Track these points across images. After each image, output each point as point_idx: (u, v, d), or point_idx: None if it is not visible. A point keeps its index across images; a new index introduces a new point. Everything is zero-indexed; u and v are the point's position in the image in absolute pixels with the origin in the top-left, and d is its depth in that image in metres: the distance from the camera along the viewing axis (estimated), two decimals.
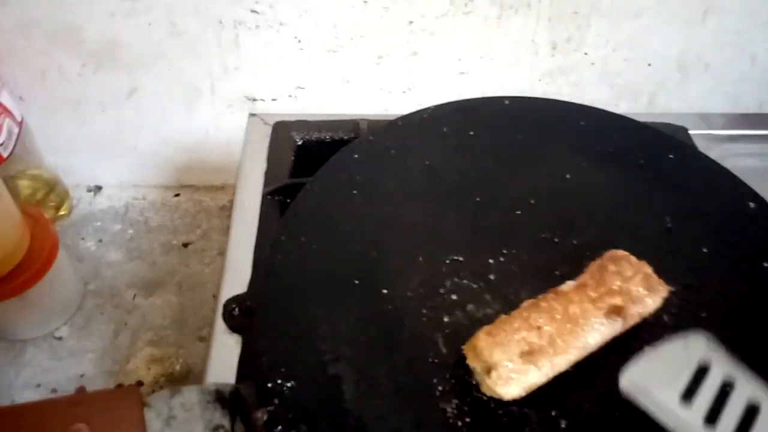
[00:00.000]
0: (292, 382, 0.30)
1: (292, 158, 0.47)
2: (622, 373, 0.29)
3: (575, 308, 0.30)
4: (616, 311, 0.31)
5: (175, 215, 0.66)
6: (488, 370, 0.29)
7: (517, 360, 0.28)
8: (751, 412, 0.27)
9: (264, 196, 0.44)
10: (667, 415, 0.27)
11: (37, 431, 0.24)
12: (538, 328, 0.29)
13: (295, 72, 0.58)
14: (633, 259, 0.33)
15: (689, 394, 0.28)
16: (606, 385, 0.30)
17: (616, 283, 0.31)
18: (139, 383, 0.51)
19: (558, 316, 0.30)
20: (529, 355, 0.28)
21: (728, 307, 0.34)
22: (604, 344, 0.31)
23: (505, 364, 0.28)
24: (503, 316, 0.30)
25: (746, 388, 0.28)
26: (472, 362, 0.30)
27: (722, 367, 0.29)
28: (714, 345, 0.30)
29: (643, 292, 0.31)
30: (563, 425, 0.29)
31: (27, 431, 0.24)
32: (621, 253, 0.33)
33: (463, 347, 0.30)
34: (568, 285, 0.32)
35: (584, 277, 0.32)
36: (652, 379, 0.28)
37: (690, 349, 0.30)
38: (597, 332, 0.30)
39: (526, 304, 0.31)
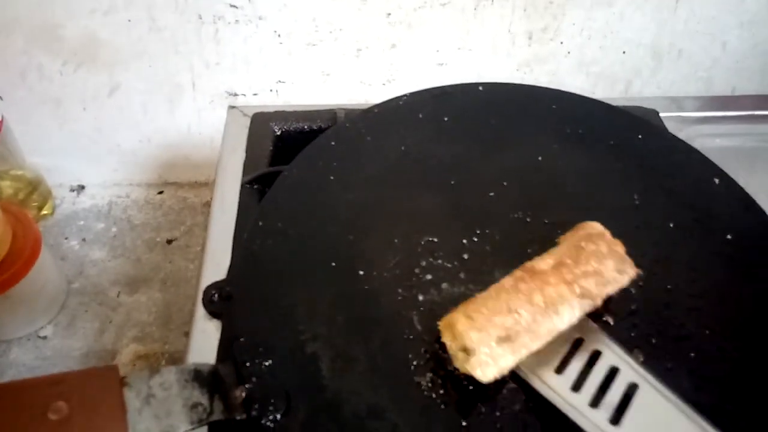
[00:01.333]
0: (270, 361, 0.30)
1: (271, 148, 0.48)
2: None
3: (552, 292, 0.30)
4: (589, 294, 0.31)
5: (159, 213, 0.67)
6: (465, 350, 0.29)
7: (494, 346, 0.29)
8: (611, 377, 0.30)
9: (243, 186, 0.44)
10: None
11: (17, 409, 0.25)
12: (516, 312, 0.29)
13: (275, 66, 0.59)
14: (609, 236, 0.33)
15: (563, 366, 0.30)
16: None
17: (592, 264, 0.32)
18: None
19: (535, 300, 0.30)
20: (506, 340, 0.29)
21: (695, 278, 0.35)
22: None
23: (484, 350, 0.28)
24: (480, 296, 0.31)
25: (610, 358, 0.30)
26: (447, 339, 0.30)
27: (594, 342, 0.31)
28: (590, 324, 0.32)
29: (616, 274, 0.32)
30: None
31: (7, 409, 0.25)
32: (598, 229, 0.33)
33: (439, 324, 0.31)
34: (546, 263, 0.32)
35: (561, 254, 0.32)
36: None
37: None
38: (570, 315, 0.31)
39: (504, 282, 0.31)
